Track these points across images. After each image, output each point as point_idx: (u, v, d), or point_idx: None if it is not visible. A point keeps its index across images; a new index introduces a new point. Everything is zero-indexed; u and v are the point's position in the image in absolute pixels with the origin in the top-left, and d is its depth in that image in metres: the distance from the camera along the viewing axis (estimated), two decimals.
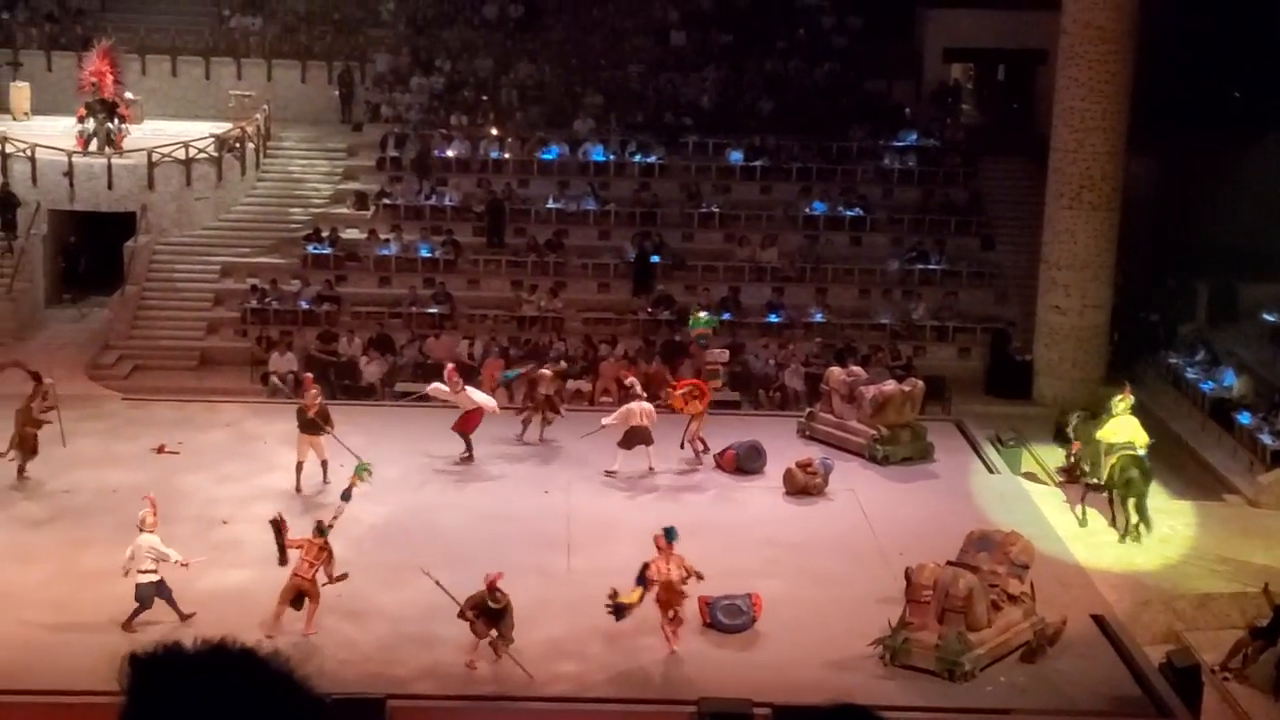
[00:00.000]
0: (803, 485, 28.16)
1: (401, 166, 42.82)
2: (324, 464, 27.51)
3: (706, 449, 28.98)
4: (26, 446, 27.63)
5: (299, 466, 27.38)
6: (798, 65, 46.42)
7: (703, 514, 27.27)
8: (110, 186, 40.08)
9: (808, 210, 41.73)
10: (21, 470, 27.58)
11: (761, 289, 39.49)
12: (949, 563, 22.58)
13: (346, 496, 23.69)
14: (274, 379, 35.08)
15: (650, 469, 28.57)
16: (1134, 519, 27.27)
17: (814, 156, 43.26)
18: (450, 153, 42.97)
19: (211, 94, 44.42)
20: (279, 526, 22.57)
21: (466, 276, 39.78)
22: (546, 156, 43.13)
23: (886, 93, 46.21)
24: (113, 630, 21.52)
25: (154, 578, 22.04)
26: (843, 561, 24.96)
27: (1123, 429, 27.52)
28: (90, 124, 41.06)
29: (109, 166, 39.82)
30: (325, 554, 22.17)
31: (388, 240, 40.14)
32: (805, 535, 26.24)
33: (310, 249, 39.82)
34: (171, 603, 22.07)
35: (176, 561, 22.18)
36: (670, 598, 21.80)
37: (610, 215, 41.51)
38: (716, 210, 41.67)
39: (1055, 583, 24.39)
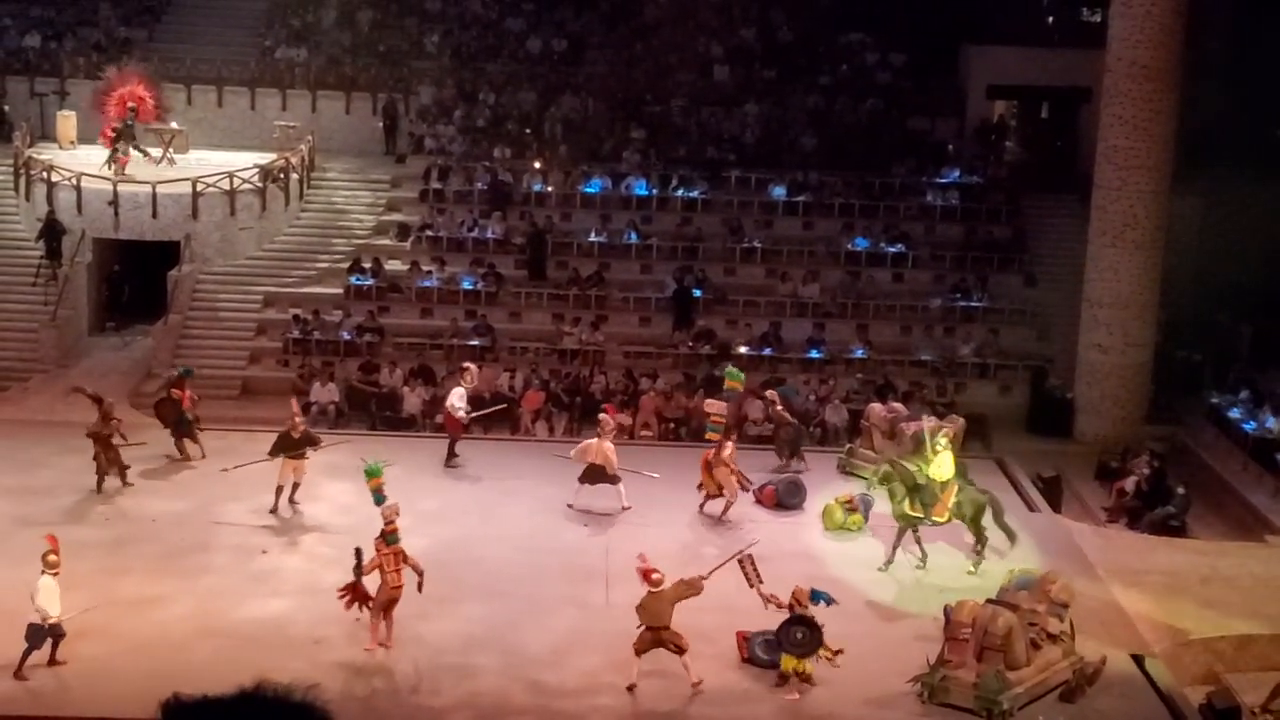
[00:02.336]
0: (842, 522, 28.08)
1: (445, 198, 42.96)
2: (296, 486, 27.81)
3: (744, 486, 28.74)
4: (113, 465, 28.08)
5: (279, 490, 27.62)
6: (841, 101, 46.43)
7: (741, 549, 27.18)
8: (155, 215, 40.31)
9: (850, 246, 41.69)
10: (124, 480, 28.41)
11: (803, 324, 39.45)
12: (988, 601, 22.45)
13: (380, 500, 23.63)
14: (314, 408, 35.23)
15: (623, 507, 28.38)
16: (985, 541, 26.67)
17: (856, 192, 43.24)
18: (480, 185, 43.09)
19: (256, 124, 44.69)
20: (359, 555, 22.47)
21: (508, 309, 39.86)
22: (589, 190, 43.23)
23: (930, 129, 46.20)
24: (151, 657, 21.56)
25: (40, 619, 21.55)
26: (881, 598, 24.84)
27: (947, 463, 27.19)
28: (126, 147, 41.66)
29: (154, 196, 40.04)
30: (404, 557, 22.27)
31: (430, 272, 40.27)
32: (844, 572, 26.13)
33: (353, 280, 39.96)
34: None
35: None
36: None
37: (652, 249, 41.55)
38: (758, 245, 41.67)
39: (1095, 622, 24.24)
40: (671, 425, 34.63)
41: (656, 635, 21.71)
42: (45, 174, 40.54)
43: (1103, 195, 36.46)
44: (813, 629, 21.70)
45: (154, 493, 28.71)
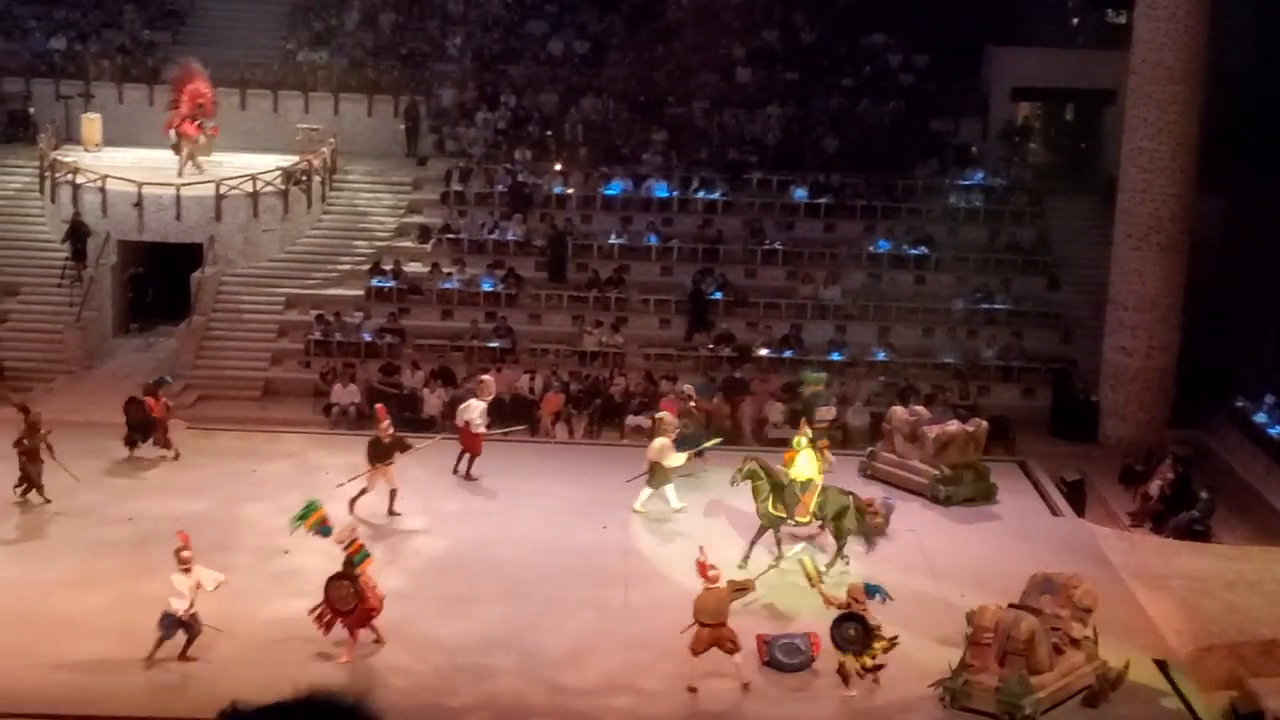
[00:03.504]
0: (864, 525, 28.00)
1: (465, 200, 42.98)
2: (394, 494, 27.65)
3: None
4: (36, 479, 27.99)
5: (361, 493, 27.48)
6: (864, 103, 46.34)
7: (762, 553, 27.17)
8: (179, 218, 40.38)
9: (872, 248, 41.59)
10: (27, 493, 28.06)
11: (824, 327, 39.37)
12: (1011, 605, 22.37)
13: (328, 531, 23.63)
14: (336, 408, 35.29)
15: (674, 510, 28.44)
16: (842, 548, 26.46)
17: (879, 194, 43.13)
18: (501, 187, 43.11)
19: (279, 127, 44.72)
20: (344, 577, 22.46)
21: (528, 311, 39.86)
22: (610, 192, 43.19)
23: (953, 131, 46.07)
24: (172, 657, 21.60)
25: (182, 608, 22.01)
26: (903, 603, 24.73)
27: (807, 464, 27.05)
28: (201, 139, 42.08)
29: (178, 198, 40.11)
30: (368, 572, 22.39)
31: (450, 274, 40.28)
32: (866, 575, 26.03)
33: (374, 282, 40.00)
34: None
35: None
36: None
37: (672, 251, 41.50)
38: (780, 247, 41.58)
39: (1119, 626, 24.14)
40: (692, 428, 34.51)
41: (715, 633, 21.76)
42: (70, 176, 40.65)
43: (1127, 197, 36.34)
44: (865, 625, 21.74)
45: (176, 493, 28.77)
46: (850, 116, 46.14)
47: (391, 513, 27.70)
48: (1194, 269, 36.72)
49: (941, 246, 41.77)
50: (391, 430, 28.10)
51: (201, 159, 42.59)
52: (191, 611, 21.87)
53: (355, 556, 22.38)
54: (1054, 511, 30.08)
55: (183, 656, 21.89)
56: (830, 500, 26.35)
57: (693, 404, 31.47)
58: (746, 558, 26.00)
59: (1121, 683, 22.33)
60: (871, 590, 22.21)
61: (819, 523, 26.52)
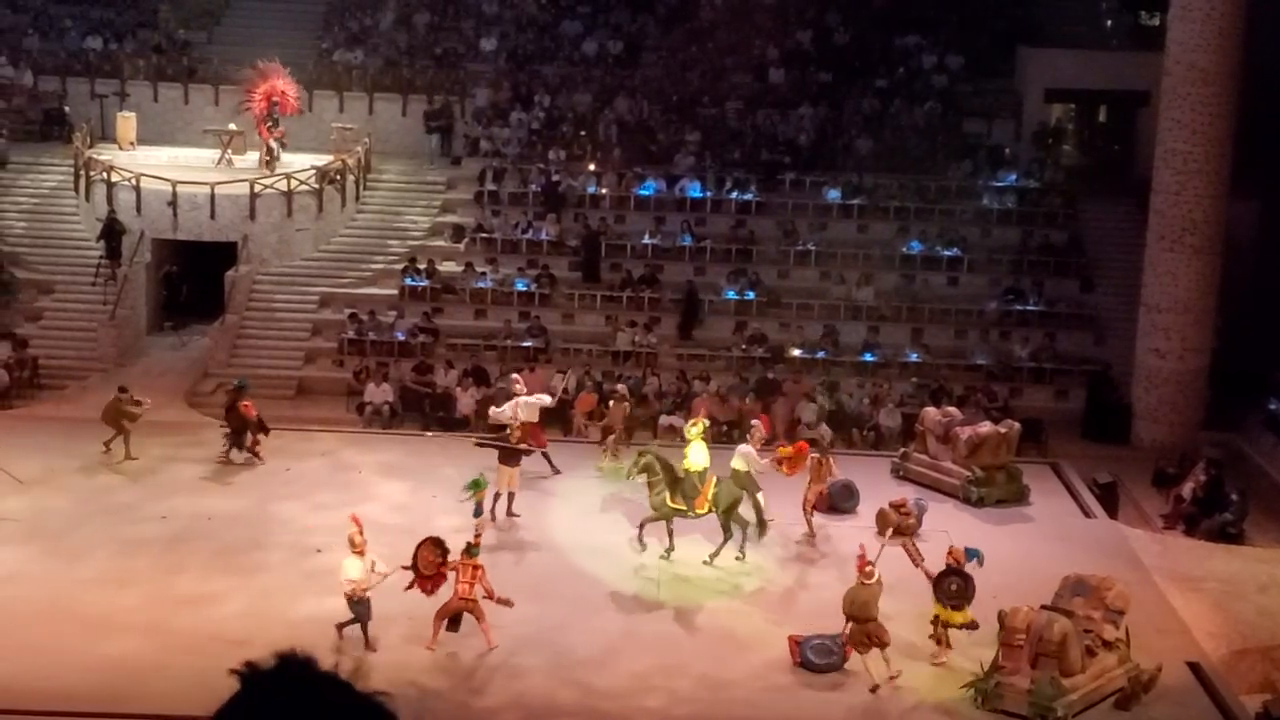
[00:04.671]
0: (896, 525, 27.95)
1: (499, 200, 43.05)
2: (512, 496, 27.80)
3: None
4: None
5: (497, 497, 27.61)
6: (897, 104, 46.28)
7: (794, 554, 27.21)
8: (213, 216, 40.54)
9: (905, 249, 41.53)
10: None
11: (857, 328, 39.33)
12: (1043, 607, 22.36)
13: (479, 512, 24.00)
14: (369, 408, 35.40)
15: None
16: (744, 535, 26.44)
17: (912, 196, 43.06)
18: (534, 187, 43.16)
19: (313, 126, 44.85)
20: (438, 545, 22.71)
21: (561, 310, 39.91)
22: (643, 192, 43.21)
23: (986, 133, 45.96)
24: (204, 654, 21.69)
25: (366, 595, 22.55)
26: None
27: (700, 454, 26.95)
28: (273, 142, 42.41)
29: (212, 196, 40.27)
30: (480, 572, 22.58)
31: (484, 273, 40.36)
32: (898, 577, 25.99)
33: (407, 281, 40.09)
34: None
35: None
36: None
37: (706, 251, 41.50)
38: (813, 248, 41.54)
39: (1151, 629, 24.09)
40: (724, 428, 34.53)
41: (864, 629, 22.04)
42: (105, 175, 40.83)
43: (1161, 199, 36.22)
44: (966, 581, 22.44)
45: (210, 491, 28.93)
46: (883, 118, 46.08)
47: (510, 514, 27.84)
48: (1227, 271, 36.59)
49: (974, 248, 41.70)
50: (520, 433, 28.10)
51: (239, 156, 42.86)
52: (367, 596, 22.34)
53: (474, 548, 22.70)
54: (1086, 513, 30.03)
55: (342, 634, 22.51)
56: (724, 492, 26.34)
57: (625, 405, 31.11)
58: (670, 549, 26.20)
59: (1154, 685, 22.29)
60: (971, 554, 22.93)
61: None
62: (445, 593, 22.73)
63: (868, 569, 22.39)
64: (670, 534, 26.43)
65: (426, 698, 21.44)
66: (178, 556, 25.80)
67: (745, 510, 26.64)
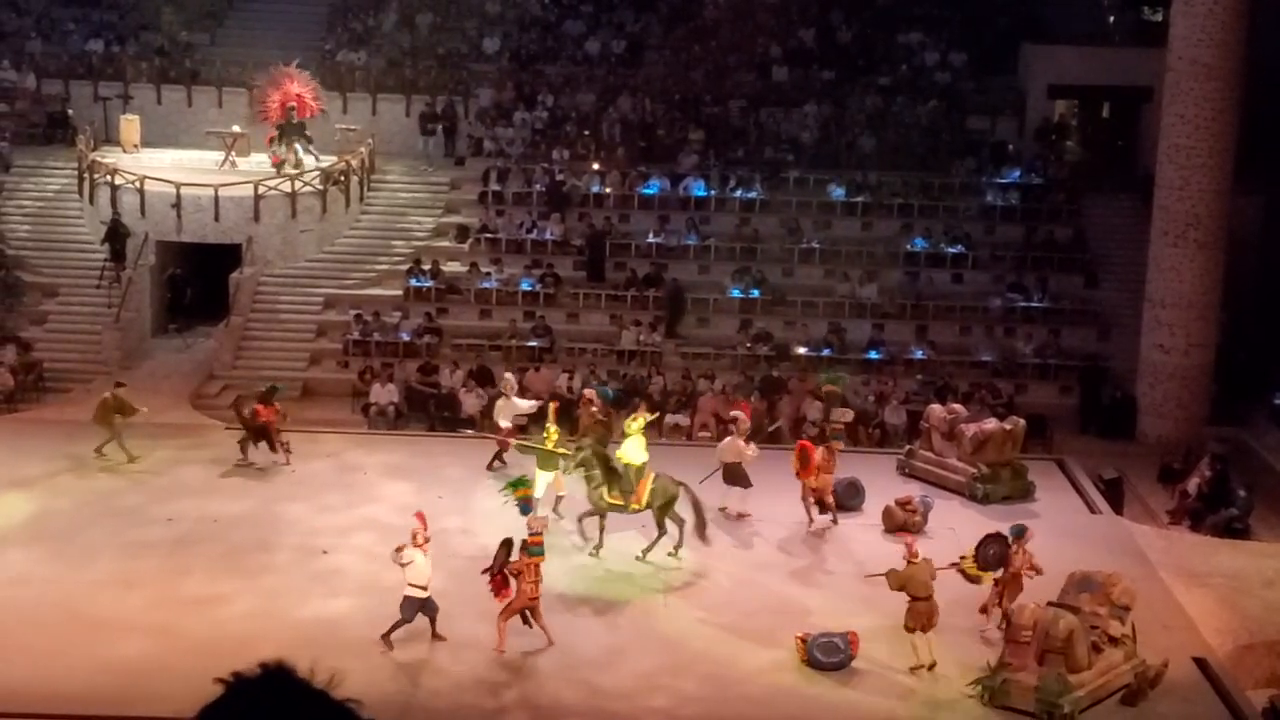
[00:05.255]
0: (902, 523, 27.98)
1: (503, 200, 43.06)
2: (559, 498, 27.64)
3: (827, 511, 28.22)
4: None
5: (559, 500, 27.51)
6: (900, 101, 46.27)
7: (801, 551, 27.20)
8: (217, 218, 40.57)
9: (909, 247, 41.53)
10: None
11: (862, 326, 39.33)
12: (1050, 603, 22.35)
13: (526, 510, 24.28)
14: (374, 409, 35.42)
15: (739, 515, 28.40)
16: (677, 532, 26.31)
17: (916, 193, 43.07)
18: (538, 187, 43.14)
19: (317, 128, 44.83)
20: (509, 547, 22.78)
21: (566, 310, 39.92)
22: (647, 191, 43.21)
23: (990, 129, 45.96)
24: (211, 656, 21.69)
25: (422, 594, 22.54)
26: (941, 601, 24.70)
27: (636, 449, 26.91)
28: (283, 147, 42.32)
29: (216, 199, 40.30)
30: (538, 572, 22.69)
31: (489, 273, 40.37)
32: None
33: (412, 281, 40.11)
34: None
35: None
36: (1014, 588, 23.10)
37: (710, 250, 41.51)
38: (817, 246, 41.55)
39: (1157, 625, 24.07)
40: (728, 426, 34.49)
41: (917, 607, 22.47)
42: (109, 177, 40.86)
43: (1164, 194, 36.21)
44: (1004, 550, 23.34)
45: (215, 493, 28.93)
46: (887, 115, 46.07)
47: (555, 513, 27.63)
48: (1232, 266, 36.58)
49: (978, 244, 41.72)
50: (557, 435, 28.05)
51: (243, 158, 42.90)
52: (427, 593, 22.49)
53: (533, 547, 22.71)
54: (1092, 509, 30.01)
55: (435, 636, 22.70)
56: (659, 489, 26.30)
57: (594, 409, 30.99)
58: (598, 546, 26.12)
59: (1160, 681, 22.28)
60: (1016, 531, 23.81)
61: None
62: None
63: (914, 549, 23.06)
64: (602, 531, 26.32)
65: (433, 698, 21.45)
66: (184, 558, 25.81)
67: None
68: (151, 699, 20.75)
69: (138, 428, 30.72)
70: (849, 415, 32.77)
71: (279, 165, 42.04)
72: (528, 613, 22.65)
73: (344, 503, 28.46)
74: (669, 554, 26.08)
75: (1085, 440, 35.65)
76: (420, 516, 23.35)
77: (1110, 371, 38.13)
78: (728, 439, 28.61)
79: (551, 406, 29.46)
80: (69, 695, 20.99)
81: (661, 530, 26.19)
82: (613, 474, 26.25)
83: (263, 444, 30.24)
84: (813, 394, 35.52)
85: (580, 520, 26.48)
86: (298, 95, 42.82)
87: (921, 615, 22.46)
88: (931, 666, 22.50)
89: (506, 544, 22.63)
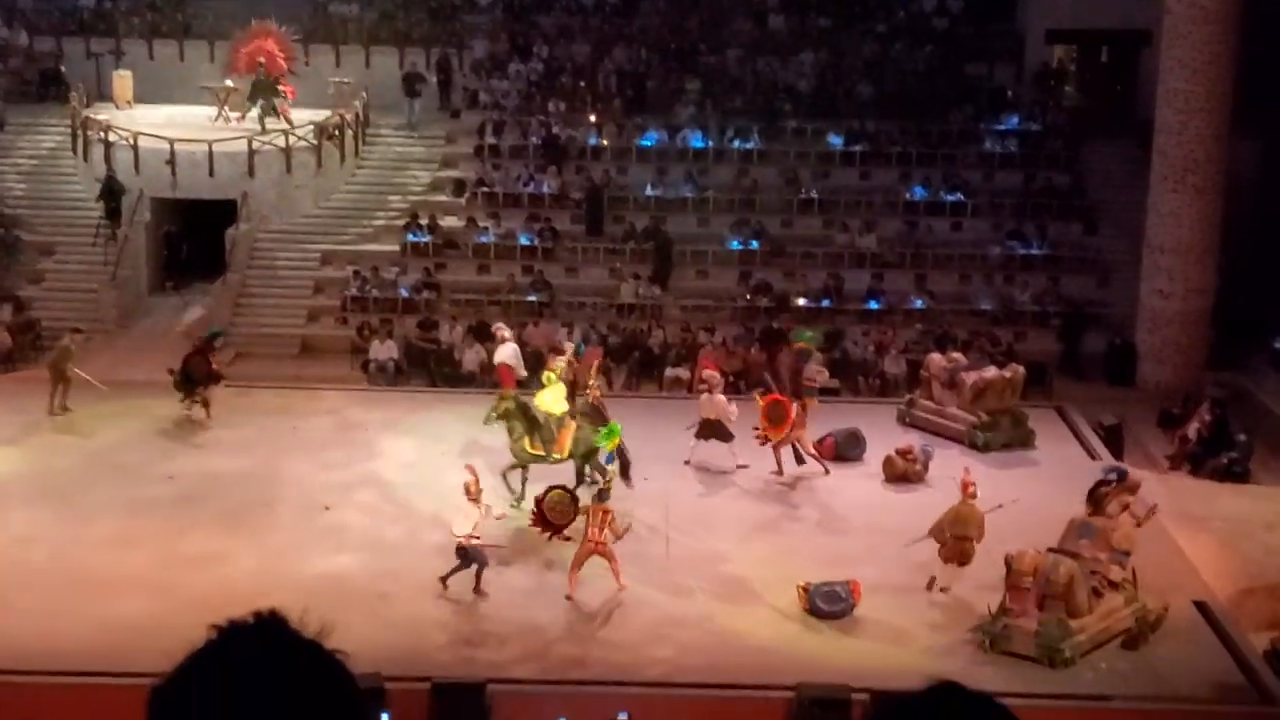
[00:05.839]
0: (902, 472, 28.02)
1: (500, 153, 42.89)
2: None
3: (807, 460, 28.20)
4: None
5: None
6: (898, 49, 46.08)
7: (802, 501, 27.22)
8: (211, 174, 40.43)
9: (908, 195, 41.42)
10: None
11: (861, 275, 39.25)
12: (1050, 549, 22.38)
13: (610, 460, 25.39)
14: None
15: (738, 466, 28.36)
16: (603, 477, 26.08)
17: (914, 141, 42.94)
18: (534, 139, 42.99)
19: (310, 81, 44.65)
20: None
21: (565, 264, 39.84)
22: (645, 143, 43.07)
23: (988, 76, 45.77)
24: (214, 613, 21.65)
25: (477, 541, 22.90)
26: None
27: (556, 399, 26.86)
28: (258, 100, 42.31)
29: (210, 154, 40.16)
30: (610, 517, 22.90)
31: (486, 228, 40.27)
32: (904, 522, 26.03)
33: (409, 237, 40.01)
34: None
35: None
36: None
37: (709, 202, 41.39)
38: (816, 196, 41.44)
39: (1158, 569, 24.11)
40: (730, 379, 34.52)
41: (958, 544, 22.81)
42: (103, 134, 40.73)
43: (1163, 139, 36.10)
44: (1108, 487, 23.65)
45: (216, 451, 28.91)
46: (884, 62, 45.89)
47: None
48: (1230, 211, 36.49)
49: (977, 192, 41.62)
50: (599, 393, 27.91)
51: (236, 113, 42.73)
52: (478, 541, 22.78)
53: (604, 494, 23.45)
54: (1092, 456, 30.00)
55: (477, 589, 22.92)
56: (582, 438, 26.30)
57: (568, 360, 30.98)
58: (520, 498, 25.88)
59: (1160, 625, 22.33)
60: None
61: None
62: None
63: (971, 489, 23.31)
64: (524, 482, 26.20)
65: (437, 652, 21.50)
66: (186, 516, 25.81)
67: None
68: (154, 656, 20.60)
69: (138, 386, 30.71)
70: (824, 374, 32.60)
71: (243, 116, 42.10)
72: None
73: (345, 459, 28.44)
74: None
75: (1085, 387, 35.64)
76: (471, 469, 23.48)
77: (1099, 319, 38.08)
78: (705, 396, 28.44)
79: (565, 361, 29.27)
80: (71, 653, 21.03)
81: (581, 479, 26.07)
82: (534, 424, 26.20)
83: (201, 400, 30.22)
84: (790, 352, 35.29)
85: (503, 474, 26.37)
86: (268, 51, 42.53)
87: (959, 552, 22.92)
88: (944, 589, 23.04)
89: (562, 489, 23.49)
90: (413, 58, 45.73)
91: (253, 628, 2.75)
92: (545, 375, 27.83)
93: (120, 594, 22.69)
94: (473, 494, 22.96)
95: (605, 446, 25.93)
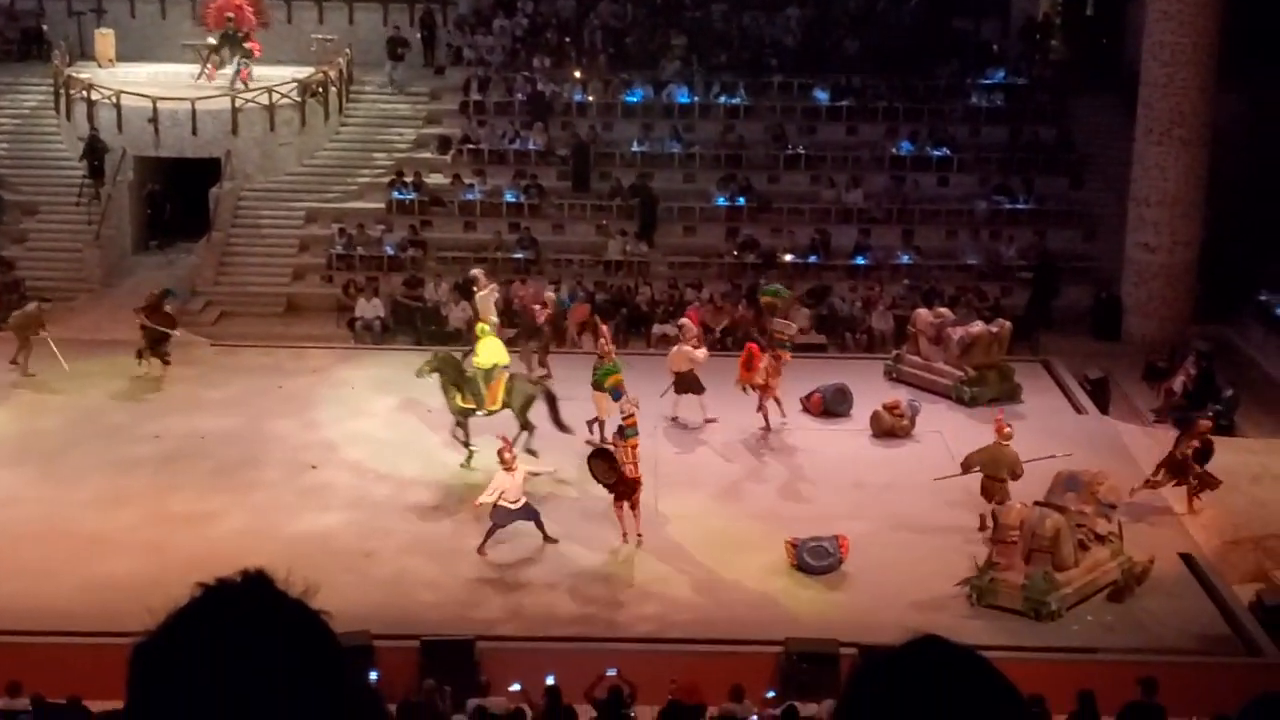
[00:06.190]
0: (890, 427, 28.07)
1: (485, 110, 42.71)
2: (602, 423, 26.96)
3: (771, 422, 28.19)
4: None
5: (601, 424, 26.90)
6: (884, 3, 45.90)
7: (789, 457, 27.26)
8: (195, 132, 40.23)
9: (894, 151, 41.30)
10: None
11: (848, 231, 39.18)
12: (1036, 503, 22.45)
13: (618, 395, 25.28)
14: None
15: (706, 420, 28.34)
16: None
17: (900, 96, 42.76)
18: (520, 96, 42.81)
19: (294, 38, 44.38)
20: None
21: (551, 221, 39.71)
22: (630, 99, 42.91)
23: (974, 30, 45.57)
24: (202, 572, 21.65)
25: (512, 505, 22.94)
26: (929, 503, 24.83)
27: (492, 351, 26.91)
28: (225, 53, 41.99)
29: (193, 112, 39.98)
30: (637, 450, 23.33)
31: (472, 185, 40.13)
32: (892, 477, 26.14)
33: (395, 194, 39.86)
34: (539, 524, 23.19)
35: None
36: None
37: (695, 158, 41.27)
38: (802, 152, 41.32)
39: (1143, 522, 24.21)
40: (718, 335, 34.52)
41: (1002, 485, 23.28)
42: (85, 93, 40.52)
43: (1149, 92, 36.03)
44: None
45: (202, 410, 28.89)
46: (870, 16, 45.72)
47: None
48: (1216, 163, 36.45)
49: (964, 147, 41.51)
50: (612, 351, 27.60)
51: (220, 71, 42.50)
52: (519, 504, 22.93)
53: (628, 430, 23.40)
54: (1078, 409, 30.09)
55: (546, 539, 23.22)
56: (517, 389, 26.36)
57: (541, 308, 30.96)
58: (470, 455, 26.02)
59: (1146, 577, 22.42)
60: None
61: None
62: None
63: (1006, 430, 23.87)
64: (465, 437, 26.23)
65: (426, 611, 21.53)
66: (173, 475, 25.82)
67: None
68: (142, 616, 20.67)
69: (121, 345, 30.65)
70: (793, 328, 32.52)
71: (211, 78, 41.83)
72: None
73: (332, 417, 28.45)
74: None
75: (1072, 341, 35.63)
76: (504, 438, 23.53)
77: (1086, 273, 38.07)
78: (675, 348, 28.35)
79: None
80: (60, 613, 21.05)
81: (524, 428, 26.14)
82: (462, 378, 26.22)
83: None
84: (800, 302, 35.31)
85: (452, 432, 26.42)
86: (236, 5, 42.27)
87: (996, 491, 23.27)
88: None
89: (596, 454, 23.52)
90: (396, 16, 45.40)
91: (239, 586, 2.74)
92: (479, 328, 27.84)
93: (108, 554, 22.71)
94: (507, 461, 22.95)
95: (607, 384, 26.00)
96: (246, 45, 42.22)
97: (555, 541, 23.14)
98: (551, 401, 26.50)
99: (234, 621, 2.69)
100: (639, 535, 23.34)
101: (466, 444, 26.17)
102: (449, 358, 26.59)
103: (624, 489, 23.00)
